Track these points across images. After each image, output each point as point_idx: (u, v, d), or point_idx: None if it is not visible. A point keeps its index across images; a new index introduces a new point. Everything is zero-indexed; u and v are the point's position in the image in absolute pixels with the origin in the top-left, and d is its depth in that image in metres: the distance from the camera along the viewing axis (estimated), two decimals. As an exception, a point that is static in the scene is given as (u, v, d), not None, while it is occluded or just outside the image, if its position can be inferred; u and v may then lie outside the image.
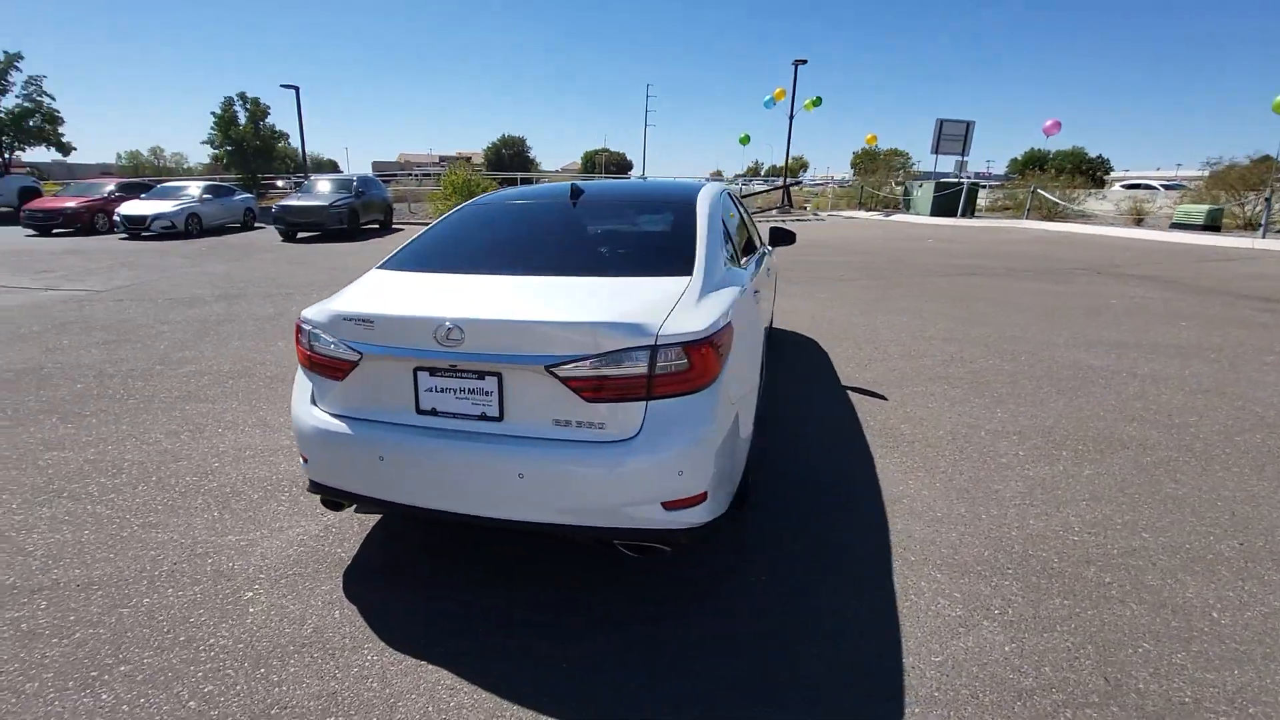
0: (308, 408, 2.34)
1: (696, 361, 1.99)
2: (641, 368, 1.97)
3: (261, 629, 2.18)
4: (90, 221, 16.88)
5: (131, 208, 16.20)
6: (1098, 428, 3.88)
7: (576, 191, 3.21)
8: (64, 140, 36.96)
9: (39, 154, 37.73)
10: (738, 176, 54.74)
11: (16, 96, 34.60)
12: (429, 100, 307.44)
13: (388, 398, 2.18)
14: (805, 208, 30.79)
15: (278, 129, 40.97)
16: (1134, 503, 3.00)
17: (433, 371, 2.11)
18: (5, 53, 33.47)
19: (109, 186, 18.63)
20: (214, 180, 22.10)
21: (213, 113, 39.47)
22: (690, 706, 1.87)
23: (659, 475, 1.98)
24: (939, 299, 8.03)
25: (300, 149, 34.50)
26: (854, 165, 48.13)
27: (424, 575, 2.50)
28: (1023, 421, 3.99)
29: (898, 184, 30.02)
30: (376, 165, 78.91)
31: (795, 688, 1.93)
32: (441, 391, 2.12)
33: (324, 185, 17.50)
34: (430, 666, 2.01)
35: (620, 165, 74.16)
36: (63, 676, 1.97)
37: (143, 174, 43.62)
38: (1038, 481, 3.21)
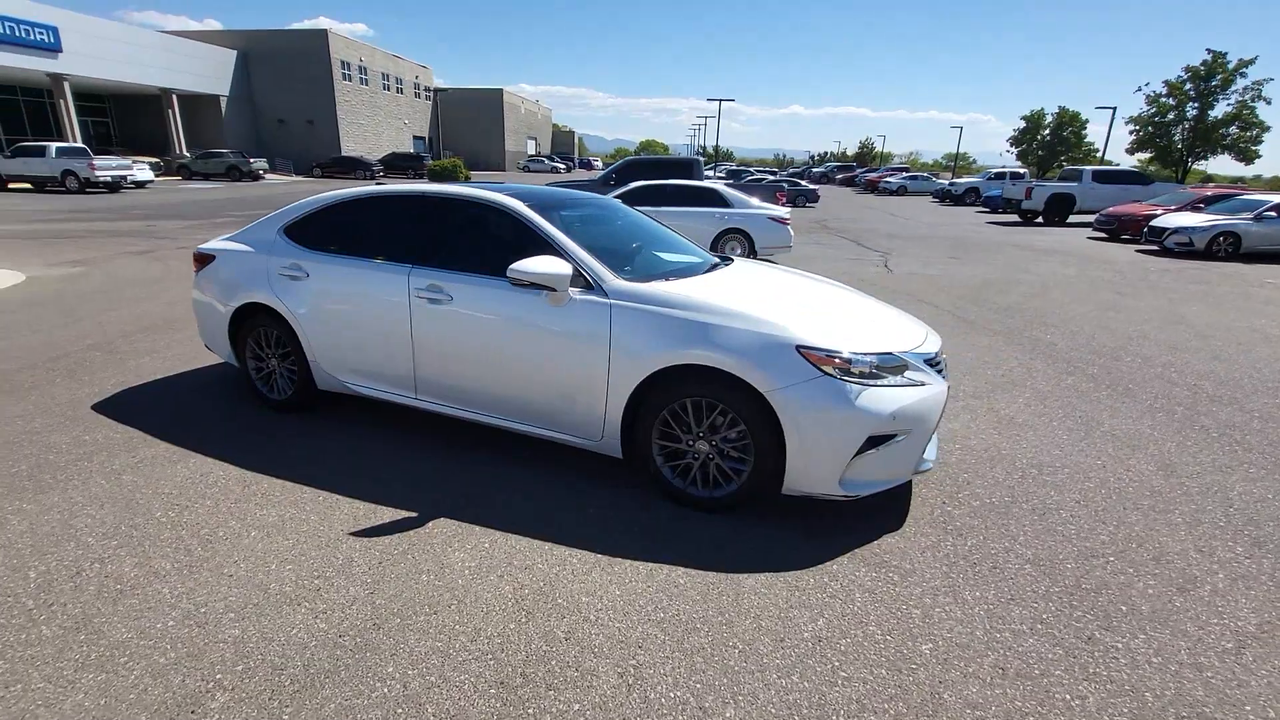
0: None
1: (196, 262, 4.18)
2: None
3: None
4: (1140, 228, 16.06)
5: (1162, 219, 15.05)
6: None
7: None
8: (1254, 150, 33.82)
9: (1218, 164, 34.67)
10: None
11: (1230, 104, 33.31)
12: None
13: None
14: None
15: None
16: None
17: None
18: (1237, 59, 32.43)
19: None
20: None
21: None
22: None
23: None
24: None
25: None
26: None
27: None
28: None
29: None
30: None
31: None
32: None
33: None
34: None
35: None
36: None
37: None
38: None
